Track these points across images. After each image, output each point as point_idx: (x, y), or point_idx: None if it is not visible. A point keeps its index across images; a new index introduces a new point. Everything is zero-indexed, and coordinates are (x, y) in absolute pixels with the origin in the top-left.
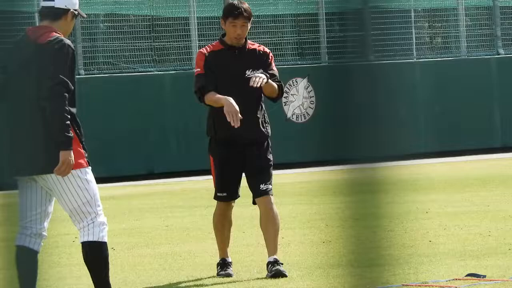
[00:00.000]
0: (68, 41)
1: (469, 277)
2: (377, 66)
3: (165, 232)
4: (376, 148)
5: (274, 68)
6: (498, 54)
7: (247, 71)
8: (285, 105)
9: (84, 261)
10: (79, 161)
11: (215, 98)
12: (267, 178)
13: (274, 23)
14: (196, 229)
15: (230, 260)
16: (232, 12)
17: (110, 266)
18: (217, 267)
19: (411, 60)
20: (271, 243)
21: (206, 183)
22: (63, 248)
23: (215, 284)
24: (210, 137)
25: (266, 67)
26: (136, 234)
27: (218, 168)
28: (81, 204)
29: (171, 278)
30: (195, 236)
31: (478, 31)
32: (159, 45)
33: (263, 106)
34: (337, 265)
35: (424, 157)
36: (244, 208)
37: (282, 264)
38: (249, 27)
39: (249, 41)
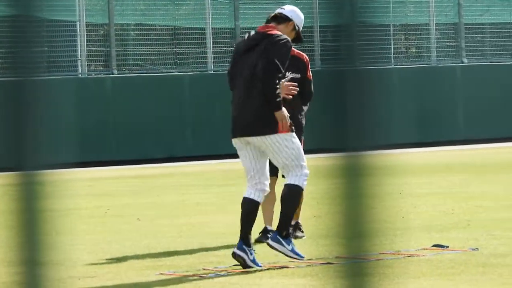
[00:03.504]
0: (290, 40)
1: (434, 247)
2: (363, 71)
3: (182, 206)
4: (363, 138)
5: (309, 73)
6: (462, 63)
7: (287, 73)
8: None
9: (281, 198)
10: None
11: None
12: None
13: None
14: (209, 204)
15: (270, 229)
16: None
17: (137, 234)
18: (259, 233)
19: (389, 67)
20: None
21: (218, 166)
22: (97, 218)
23: (221, 248)
24: None
25: (302, 71)
26: (157, 207)
27: None
28: (290, 160)
29: (186, 244)
30: (208, 210)
31: (446, 43)
32: (179, 50)
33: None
34: (325, 236)
35: (400, 147)
36: None
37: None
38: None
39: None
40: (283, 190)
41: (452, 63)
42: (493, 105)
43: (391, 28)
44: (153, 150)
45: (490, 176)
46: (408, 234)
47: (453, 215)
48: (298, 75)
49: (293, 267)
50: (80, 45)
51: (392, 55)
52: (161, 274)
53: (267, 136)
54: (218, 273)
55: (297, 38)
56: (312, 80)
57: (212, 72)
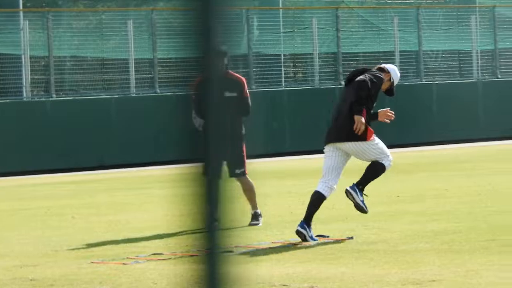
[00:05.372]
0: (382, 79)
1: (317, 237)
2: (260, 93)
3: (110, 206)
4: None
5: (246, 91)
6: (340, 85)
7: (226, 92)
8: None
9: (368, 165)
10: (370, 135)
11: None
12: (242, 165)
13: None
14: (131, 203)
15: (252, 213)
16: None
17: (72, 229)
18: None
19: (281, 89)
20: (252, 201)
21: (138, 173)
22: (39, 217)
23: (141, 240)
24: None
25: (240, 91)
26: (89, 207)
27: None
28: (375, 155)
29: (112, 237)
30: (130, 209)
31: (327, 69)
32: (107, 77)
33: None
34: (318, 219)
35: (289, 155)
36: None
37: (259, 215)
38: (225, 62)
39: (229, 71)
40: (373, 162)
41: (332, 86)
42: None
43: (282, 57)
44: (86, 159)
45: None
46: (295, 226)
47: (334, 210)
48: (234, 94)
49: (202, 255)
50: (24, 74)
51: (283, 79)
52: (92, 262)
53: (358, 142)
54: (138, 260)
55: (390, 90)
56: (248, 96)
57: (134, 95)
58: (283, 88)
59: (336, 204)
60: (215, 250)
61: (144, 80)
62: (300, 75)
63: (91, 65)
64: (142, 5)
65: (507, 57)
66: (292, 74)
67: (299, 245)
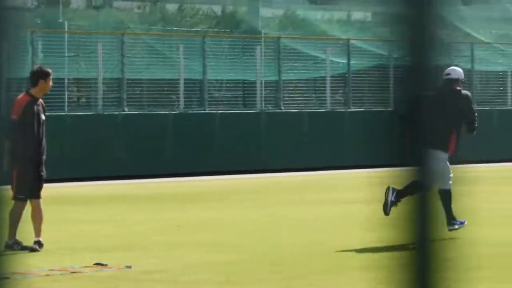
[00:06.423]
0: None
1: (95, 265)
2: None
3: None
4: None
5: None
6: (124, 111)
7: (42, 115)
8: None
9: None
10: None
11: None
12: (42, 186)
13: None
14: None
15: (36, 240)
16: (49, 73)
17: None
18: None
19: (63, 113)
20: (39, 228)
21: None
22: None
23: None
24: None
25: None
26: None
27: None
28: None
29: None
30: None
31: (111, 94)
32: None
33: None
34: (97, 247)
35: (68, 181)
36: None
37: (42, 244)
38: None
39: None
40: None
41: (115, 112)
42: (148, 145)
43: (66, 81)
44: None
45: (148, 206)
46: (73, 254)
47: (113, 238)
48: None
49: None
50: None
51: (66, 104)
52: None
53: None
54: None
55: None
56: None
57: None
58: (66, 113)
59: (117, 232)
60: None
61: None
62: (84, 100)
63: None
64: None
65: (290, 88)
66: (75, 99)
67: (76, 273)
